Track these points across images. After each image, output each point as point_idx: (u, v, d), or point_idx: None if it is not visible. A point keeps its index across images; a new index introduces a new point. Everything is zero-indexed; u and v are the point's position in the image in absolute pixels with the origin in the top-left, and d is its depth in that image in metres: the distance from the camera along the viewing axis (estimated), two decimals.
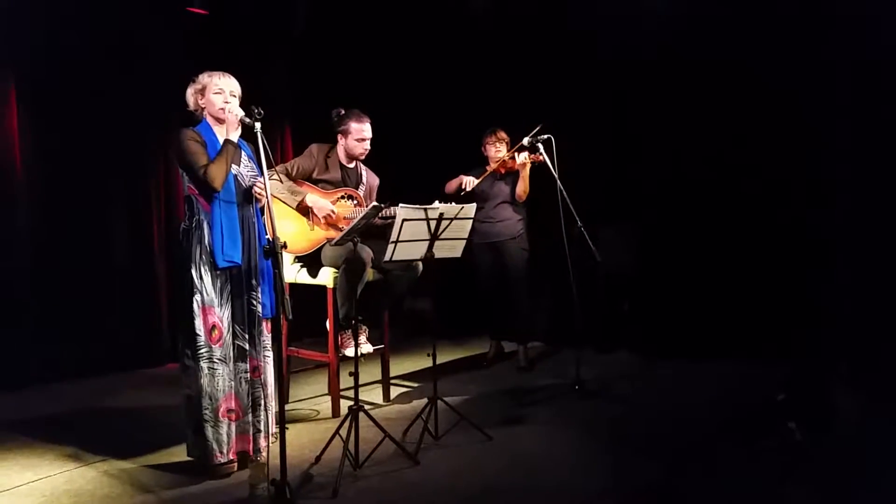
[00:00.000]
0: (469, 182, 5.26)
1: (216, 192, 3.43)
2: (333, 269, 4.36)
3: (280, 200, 4.30)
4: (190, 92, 3.62)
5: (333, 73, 6.52)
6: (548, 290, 6.14)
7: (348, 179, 4.59)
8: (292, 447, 3.67)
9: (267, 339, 3.65)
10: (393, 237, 3.70)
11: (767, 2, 5.20)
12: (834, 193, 5.04)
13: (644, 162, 5.89)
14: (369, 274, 4.37)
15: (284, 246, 3.17)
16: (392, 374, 4.92)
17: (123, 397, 4.90)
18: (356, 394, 3.65)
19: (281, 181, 4.30)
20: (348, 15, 6.53)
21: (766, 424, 3.96)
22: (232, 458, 3.51)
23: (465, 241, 4.04)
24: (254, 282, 3.58)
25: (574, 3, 5.91)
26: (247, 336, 3.55)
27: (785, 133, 5.24)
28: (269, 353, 3.66)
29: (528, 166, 5.22)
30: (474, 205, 4.01)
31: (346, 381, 4.15)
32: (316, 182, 4.50)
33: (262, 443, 3.60)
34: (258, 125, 3.25)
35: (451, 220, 3.85)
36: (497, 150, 5.38)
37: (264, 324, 3.64)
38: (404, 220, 3.69)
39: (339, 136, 4.58)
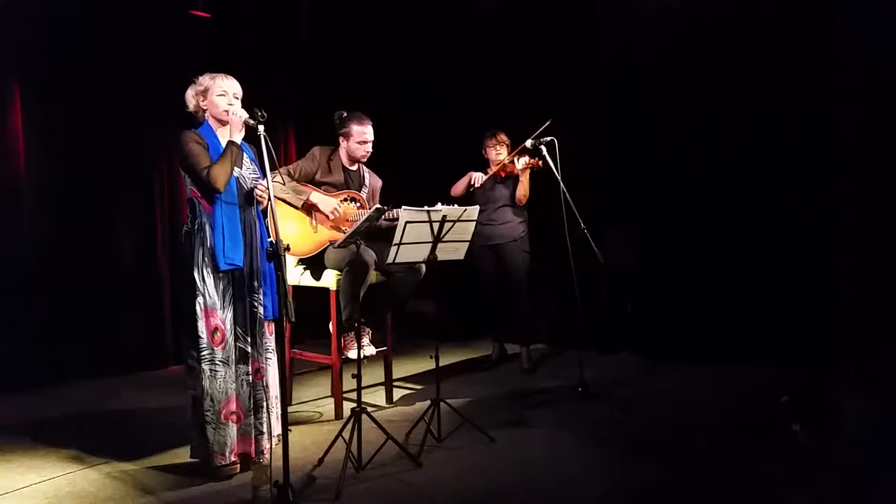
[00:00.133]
0: (478, 178, 5.27)
1: (219, 193, 3.43)
2: (337, 272, 4.36)
3: (284, 201, 4.30)
4: (191, 93, 3.61)
5: (337, 76, 6.53)
6: (551, 292, 6.14)
7: (351, 182, 4.59)
8: (295, 449, 3.66)
9: (269, 340, 3.65)
10: (396, 239, 3.70)
11: (768, 1, 5.19)
12: (837, 195, 5.02)
13: (647, 164, 5.88)
14: (372, 276, 4.37)
15: (287, 248, 3.17)
16: (395, 377, 4.91)
17: (126, 399, 4.91)
18: (359, 396, 3.65)
19: (283, 183, 4.30)
20: (352, 18, 6.54)
21: (770, 427, 3.95)
22: (234, 460, 3.51)
23: (468, 244, 4.03)
24: (255, 284, 3.57)
25: (575, 3, 5.91)
26: (249, 338, 3.54)
27: (788, 134, 5.23)
28: (272, 355, 3.65)
29: (528, 171, 5.22)
30: (477, 207, 4.01)
31: (348, 383, 4.15)
32: (318, 184, 4.51)
33: (265, 445, 3.59)
34: (262, 127, 3.25)
35: (454, 222, 3.84)
36: (497, 153, 5.38)
37: (266, 326, 3.63)
38: (407, 222, 3.68)
39: (341, 139, 4.58)
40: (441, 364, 4.05)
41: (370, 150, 4.56)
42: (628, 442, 3.92)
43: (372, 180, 4.70)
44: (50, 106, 5.24)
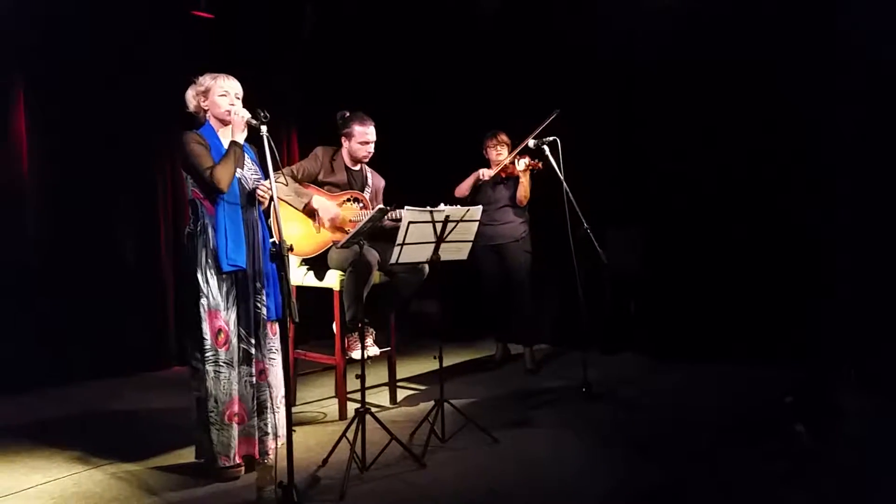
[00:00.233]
0: (484, 173, 5.27)
1: (222, 193, 3.43)
2: (340, 272, 4.37)
3: (286, 203, 4.30)
4: (191, 94, 3.61)
5: (339, 76, 6.54)
6: (554, 292, 6.14)
7: (354, 182, 4.60)
8: (299, 450, 3.67)
9: (272, 341, 3.65)
10: (399, 239, 3.70)
11: (768, 1, 5.20)
12: (837, 195, 5.03)
13: (648, 163, 5.88)
14: (375, 276, 4.38)
15: (291, 249, 3.18)
16: (399, 377, 4.92)
17: (130, 400, 4.91)
18: (363, 396, 3.65)
19: (286, 184, 4.31)
20: (353, 18, 6.54)
21: (771, 427, 3.95)
22: (238, 461, 3.51)
23: (471, 244, 4.04)
24: (258, 285, 3.58)
25: (575, 3, 5.91)
26: (252, 340, 3.55)
27: (788, 134, 5.24)
28: (276, 356, 3.65)
29: (529, 172, 5.23)
30: (480, 207, 4.01)
31: (352, 383, 4.17)
32: (321, 185, 4.51)
33: (270, 445, 3.60)
34: (264, 128, 3.26)
35: (457, 222, 3.85)
36: (498, 154, 5.39)
37: (269, 326, 3.64)
38: (410, 222, 3.69)
39: (343, 139, 4.59)
40: (445, 364, 4.06)
41: (372, 150, 4.57)
42: (631, 442, 3.93)
43: (375, 180, 4.70)
44: (53, 107, 5.25)
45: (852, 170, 4.95)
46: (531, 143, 4.89)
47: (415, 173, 5.96)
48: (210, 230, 3.46)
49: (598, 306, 5.56)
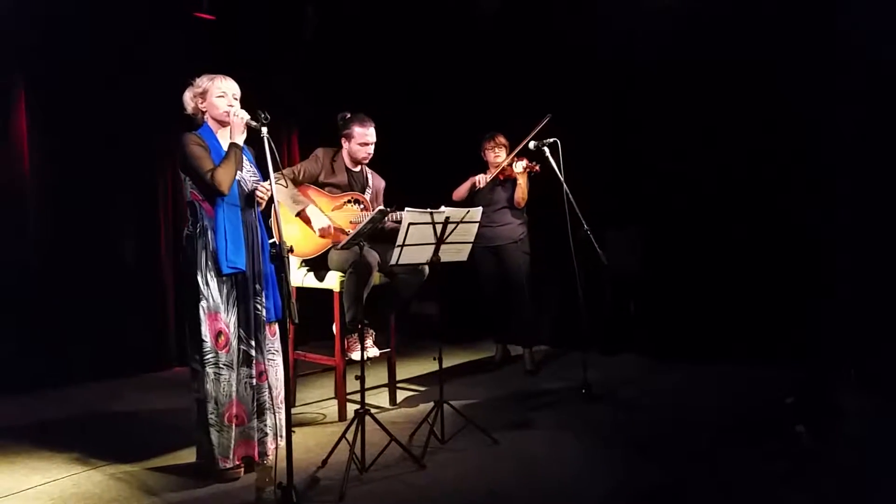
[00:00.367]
0: (481, 179, 5.28)
1: (223, 196, 3.42)
2: (340, 273, 4.37)
3: (281, 204, 4.29)
4: (189, 95, 3.59)
5: (341, 77, 6.54)
6: (554, 293, 6.14)
7: (354, 183, 4.60)
8: (299, 451, 3.67)
9: (272, 342, 3.65)
10: (399, 241, 3.70)
11: (768, 1, 5.20)
12: (837, 195, 5.03)
13: (648, 164, 5.88)
14: (376, 278, 4.38)
15: (291, 250, 3.18)
16: (398, 378, 4.92)
17: (130, 401, 4.91)
18: (362, 397, 3.65)
19: (286, 186, 4.31)
20: (356, 19, 6.55)
21: (771, 427, 3.95)
22: (238, 462, 3.51)
23: (471, 245, 4.04)
24: (258, 286, 3.57)
25: (575, 3, 5.91)
26: (252, 341, 3.54)
27: (788, 134, 5.24)
28: (275, 357, 3.66)
29: (527, 174, 5.24)
30: (480, 209, 4.01)
31: (352, 384, 4.17)
32: (322, 185, 4.52)
33: (269, 446, 3.60)
34: (265, 129, 3.26)
35: (458, 223, 3.85)
36: (496, 156, 5.39)
37: (269, 327, 3.63)
38: (410, 223, 3.69)
39: (343, 140, 4.59)
40: (444, 366, 4.06)
41: (371, 151, 4.57)
42: (631, 442, 3.93)
43: (375, 181, 4.71)
44: (54, 107, 5.25)
45: (852, 170, 4.95)
46: (531, 144, 4.89)
47: (415, 174, 5.97)
48: (210, 232, 3.45)
49: (597, 307, 5.57)
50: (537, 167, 5.18)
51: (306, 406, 4.74)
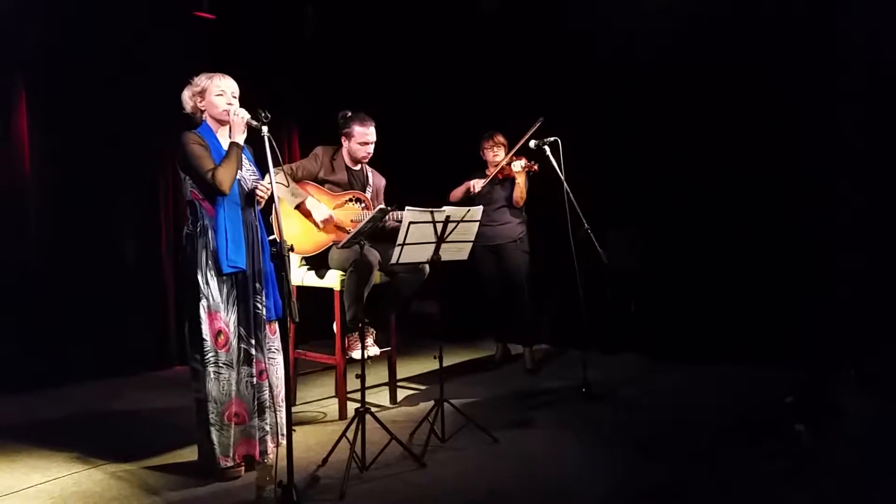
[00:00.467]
0: (476, 185, 5.29)
1: (224, 195, 3.42)
2: (340, 272, 4.37)
3: (281, 199, 4.30)
4: (187, 94, 3.59)
5: (341, 76, 6.54)
6: (554, 292, 6.15)
7: (354, 181, 4.60)
8: (299, 449, 3.68)
9: (272, 341, 3.65)
10: (400, 239, 3.70)
11: (768, 1, 5.20)
12: (837, 195, 5.03)
13: (648, 163, 5.88)
14: (376, 276, 4.38)
15: (291, 248, 3.18)
16: (399, 377, 4.92)
17: (131, 400, 4.91)
18: (363, 396, 3.66)
19: (287, 184, 4.31)
20: (356, 19, 6.55)
21: (771, 427, 3.95)
22: (238, 461, 3.52)
23: (471, 244, 4.04)
24: (258, 285, 3.57)
25: (575, 4, 5.91)
26: (253, 340, 3.55)
27: (788, 134, 5.23)
28: (276, 355, 3.66)
29: (525, 173, 5.24)
30: (480, 207, 4.02)
31: (352, 383, 4.17)
32: (322, 183, 4.52)
33: (270, 445, 3.60)
34: (265, 128, 3.26)
35: (458, 222, 3.85)
36: (495, 155, 5.39)
37: (268, 326, 3.64)
38: (411, 222, 3.69)
39: (343, 139, 4.59)
40: (445, 364, 4.07)
41: (371, 151, 4.57)
42: (631, 442, 3.93)
43: (375, 180, 4.71)
44: (54, 107, 5.25)
45: (852, 170, 4.95)
46: (532, 143, 4.89)
47: (415, 173, 5.96)
48: (210, 231, 3.44)
49: (598, 306, 5.57)
50: (535, 166, 5.19)
51: (307, 405, 4.74)
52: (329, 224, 4.33)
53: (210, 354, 3.43)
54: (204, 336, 3.43)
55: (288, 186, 4.31)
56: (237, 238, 3.47)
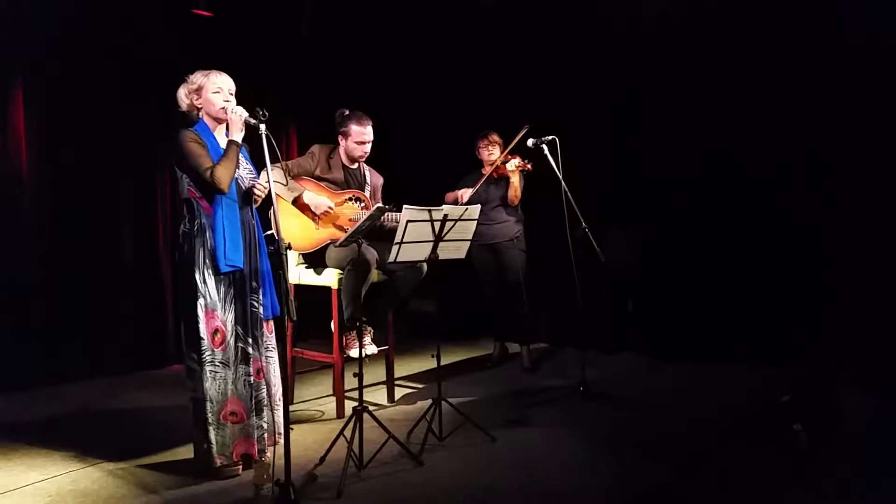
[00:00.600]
0: (463, 195, 5.29)
1: (223, 194, 3.40)
2: (338, 270, 4.37)
3: (278, 196, 4.28)
4: (183, 92, 3.57)
5: (338, 75, 6.53)
6: (552, 291, 6.14)
7: (351, 180, 4.59)
8: (296, 448, 3.67)
9: (269, 339, 3.65)
10: (397, 238, 3.70)
11: (769, 1, 5.20)
12: (837, 195, 5.03)
13: (647, 163, 5.88)
14: (374, 275, 4.38)
15: (289, 246, 3.17)
16: (396, 375, 4.92)
17: (128, 398, 4.91)
18: (360, 395, 3.65)
19: (285, 183, 4.30)
20: (353, 17, 6.54)
21: (771, 426, 3.95)
22: (235, 460, 3.51)
23: (469, 243, 4.04)
24: (254, 284, 3.56)
25: (575, 3, 5.91)
26: (250, 339, 3.54)
27: (788, 134, 5.23)
28: (272, 353, 3.66)
29: (518, 173, 5.24)
30: (478, 206, 4.01)
31: (350, 381, 4.17)
32: (319, 180, 4.51)
33: (268, 443, 3.60)
34: (263, 126, 3.24)
35: (456, 221, 3.85)
36: (490, 154, 5.40)
37: (265, 325, 3.63)
38: (409, 221, 3.69)
39: (340, 137, 4.58)
40: (442, 363, 4.06)
41: (368, 150, 4.56)
42: (629, 441, 3.93)
43: (373, 178, 4.70)
44: (51, 105, 5.22)
45: (853, 169, 4.95)
46: (530, 142, 4.88)
47: (413, 172, 5.95)
48: (208, 230, 3.43)
49: (596, 305, 5.56)
50: (529, 165, 5.19)
51: (304, 403, 4.74)
52: (328, 216, 4.32)
53: (207, 353, 3.43)
54: (201, 335, 3.42)
55: (286, 185, 4.30)
56: (235, 237, 3.46)
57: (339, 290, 4.36)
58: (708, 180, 5.59)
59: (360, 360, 3.77)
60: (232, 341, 3.49)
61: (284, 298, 3.17)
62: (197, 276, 3.42)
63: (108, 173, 5.50)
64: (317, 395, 4.90)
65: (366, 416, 3.62)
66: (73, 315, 5.29)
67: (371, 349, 4.52)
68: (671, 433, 4.04)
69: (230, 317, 3.48)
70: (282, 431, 3.51)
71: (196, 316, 3.42)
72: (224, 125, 3.52)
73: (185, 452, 3.68)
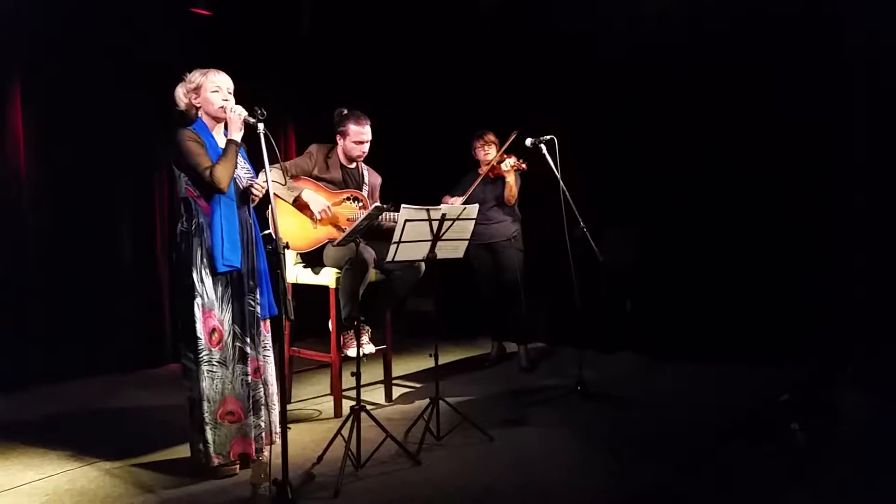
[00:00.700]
0: (454, 203, 5.28)
1: (222, 193, 3.40)
2: (336, 270, 4.36)
3: (277, 196, 4.28)
4: (181, 91, 3.56)
5: (337, 74, 6.53)
6: (550, 290, 6.14)
7: (349, 179, 4.59)
8: (294, 447, 3.65)
9: (266, 338, 3.64)
10: (395, 237, 3.69)
11: (769, 1, 5.19)
12: (837, 195, 5.03)
13: (646, 162, 5.87)
14: (372, 274, 4.37)
15: (287, 246, 3.17)
16: (394, 375, 4.91)
17: (125, 397, 4.90)
18: (358, 394, 3.65)
19: (284, 183, 4.30)
20: (352, 15, 6.53)
21: (769, 426, 3.95)
22: (233, 460, 3.50)
23: (467, 242, 4.03)
24: (252, 283, 3.56)
25: (574, 3, 5.90)
26: (248, 338, 3.53)
27: (788, 134, 5.23)
28: (269, 353, 3.65)
29: (514, 173, 5.24)
30: (476, 206, 4.00)
31: (348, 381, 4.15)
32: (317, 180, 4.50)
33: (265, 442, 3.59)
34: (261, 125, 3.24)
35: (454, 220, 3.84)
36: (486, 154, 5.40)
37: (262, 324, 3.62)
38: (407, 220, 3.68)
39: (338, 137, 4.57)
40: (440, 362, 4.05)
41: (366, 150, 4.56)
42: (627, 441, 3.93)
43: (371, 178, 4.70)
44: (49, 105, 5.22)
45: (853, 169, 4.95)
46: (528, 142, 4.88)
47: (411, 171, 5.94)
48: (205, 229, 3.42)
49: (594, 305, 5.55)
50: (524, 165, 5.19)
51: (302, 402, 4.74)
52: (326, 215, 4.32)
53: (204, 353, 3.42)
54: (198, 334, 3.41)
55: (285, 185, 4.30)
56: (233, 237, 3.45)
57: (336, 289, 4.36)
58: (707, 180, 5.58)
59: (358, 360, 3.77)
60: (229, 341, 3.48)
61: (282, 298, 3.16)
62: (194, 276, 3.41)
63: (106, 174, 5.49)
64: (314, 395, 4.90)
65: (363, 415, 3.62)
66: (72, 314, 5.28)
67: (369, 348, 4.52)
68: (669, 433, 4.04)
69: (227, 316, 3.48)
70: (279, 431, 3.50)
71: (193, 315, 3.41)
72: (222, 124, 3.51)
73: (183, 451, 3.68)
